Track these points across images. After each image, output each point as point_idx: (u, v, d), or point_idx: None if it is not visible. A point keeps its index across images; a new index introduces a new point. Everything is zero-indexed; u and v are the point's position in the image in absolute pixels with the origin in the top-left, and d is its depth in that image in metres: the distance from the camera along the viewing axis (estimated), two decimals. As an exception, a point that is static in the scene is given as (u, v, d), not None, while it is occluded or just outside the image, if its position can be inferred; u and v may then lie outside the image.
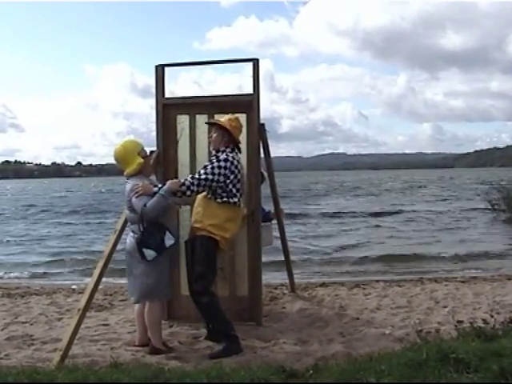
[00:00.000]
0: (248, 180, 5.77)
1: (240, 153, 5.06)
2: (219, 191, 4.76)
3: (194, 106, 5.87)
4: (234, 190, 4.81)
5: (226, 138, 4.87)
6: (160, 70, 5.92)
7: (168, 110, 5.91)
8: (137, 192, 4.61)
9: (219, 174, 4.68)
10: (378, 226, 18.25)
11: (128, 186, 4.74)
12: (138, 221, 4.56)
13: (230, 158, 4.75)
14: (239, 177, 4.85)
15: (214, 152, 4.93)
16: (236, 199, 4.85)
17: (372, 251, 12.68)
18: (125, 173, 4.83)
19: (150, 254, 4.59)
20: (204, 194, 4.83)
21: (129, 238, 4.83)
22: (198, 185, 4.65)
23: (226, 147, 4.86)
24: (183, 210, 5.69)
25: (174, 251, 4.90)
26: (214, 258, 4.82)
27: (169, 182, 4.72)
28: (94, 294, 5.07)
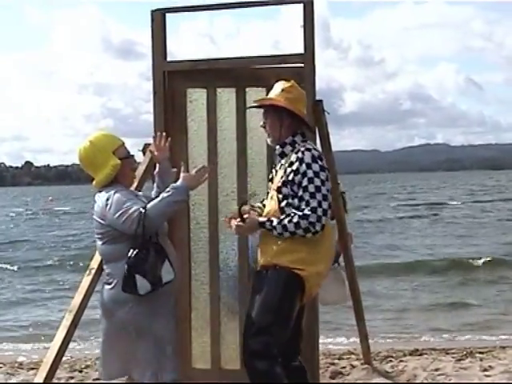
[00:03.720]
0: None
1: (313, 132, 5.14)
2: None
3: (213, 74, 5.98)
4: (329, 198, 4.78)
5: (288, 119, 4.85)
6: (159, 18, 6.05)
7: (173, 80, 6.03)
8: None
9: (327, 180, 4.68)
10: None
11: (100, 200, 4.78)
12: (132, 230, 4.58)
13: (316, 153, 4.74)
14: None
15: (277, 148, 4.90)
16: (330, 212, 4.83)
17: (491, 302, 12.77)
18: (94, 182, 4.89)
19: (143, 285, 4.61)
20: (276, 206, 4.80)
21: (104, 291, 4.87)
22: (316, 214, 4.58)
23: (294, 135, 4.86)
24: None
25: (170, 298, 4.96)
26: (292, 306, 4.77)
27: (185, 176, 4.78)
28: (54, 370, 5.15)
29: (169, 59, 6.08)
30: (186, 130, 6.02)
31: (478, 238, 24.81)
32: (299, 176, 4.62)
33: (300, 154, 4.67)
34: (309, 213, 4.54)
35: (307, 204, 4.56)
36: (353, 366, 7.39)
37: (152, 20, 6.00)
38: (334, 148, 6.18)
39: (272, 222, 4.64)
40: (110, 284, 4.80)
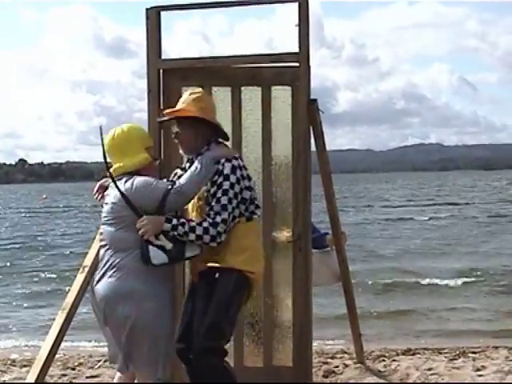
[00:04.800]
0: (293, 186, 5.84)
1: (227, 140, 5.11)
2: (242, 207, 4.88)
3: (208, 72, 5.98)
4: (255, 200, 4.97)
5: (203, 129, 4.87)
6: (153, 17, 6.04)
7: (168, 78, 6.04)
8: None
9: (241, 193, 4.76)
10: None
11: (121, 185, 4.73)
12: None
13: (236, 163, 4.79)
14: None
15: (193, 159, 4.91)
16: (259, 211, 5.01)
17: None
18: (114, 166, 4.85)
19: (158, 255, 4.65)
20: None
21: (106, 282, 4.83)
22: (226, 225, 4.68)
23: (209, 143, 4.88)
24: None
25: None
26: (240, 304, 4.93)
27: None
28: (47, 367, 5.14)
29: (163, 57, 6.08)
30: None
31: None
32: (215, 187, 4.69)
33: (220, 166, 4.72)
34: (219, 221, 4.60)
35: (217, 214, 4.62)
36: (346, 365, 7.39)
37: (147, 18, 6.00)
38: (328, 147, 6.20)
39: (179, 219, 4.66)
40: (114, 277, 4.73)
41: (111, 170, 4.88)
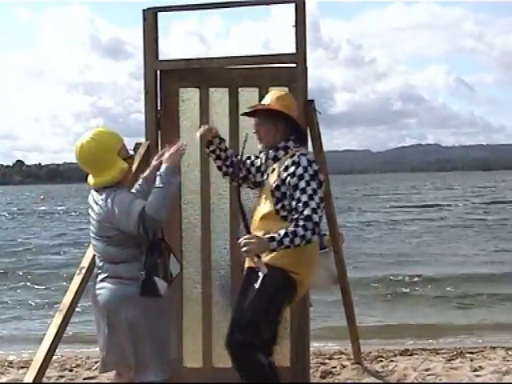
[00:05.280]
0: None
1: (305, 144, 5.19)
2: None
3: (206, 73, 6.01)
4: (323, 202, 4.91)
5: (283, 125, 4.94)
6: (150, 18, 6.07)
7: (165, 79, 6.06)
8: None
9: (320, 186, 4.73)
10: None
11: (103, 203, 4.65)
12: (140, 234, 4.52)
13: (311, 158, 4.84)
14: None
15: (270, 152, 4.97)
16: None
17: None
18: (93, 181, 4.78)
19: (162, 284, 4.62)
20: (271, 209, 4.85)
21: (107, 289, 4.80)
22: (318, 214, 4.61)
23: (287, 140, 4.94)
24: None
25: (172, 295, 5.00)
26: (282, 307, 4.92)
27: (168, 155, 4.73)
28: (44, 369, 5.14)
29: (159, 58, 6.09)
30: (178, 129, 6.04)
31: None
32: (295, 178, 4.66)
33: (296, 158, 4.74)
34: (310, 213, 4.54)
35: (306, 205, 4.57)
36: (343, 366, 7.40)
37: (144, 19, 6.02)
38: (325, 148, 6.24)
39: (279, 234, 4.51)
40: (114, 283, 4.70)
41: (91, 183, 4.78)
